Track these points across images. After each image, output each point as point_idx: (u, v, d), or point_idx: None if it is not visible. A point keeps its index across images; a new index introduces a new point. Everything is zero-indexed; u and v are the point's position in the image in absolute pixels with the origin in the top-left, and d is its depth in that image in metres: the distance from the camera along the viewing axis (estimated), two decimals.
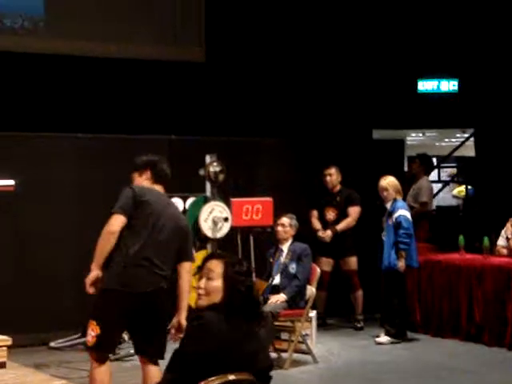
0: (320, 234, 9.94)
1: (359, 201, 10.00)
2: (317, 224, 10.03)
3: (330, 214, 10.02)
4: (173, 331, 5.74)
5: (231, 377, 3.71)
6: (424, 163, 11.55)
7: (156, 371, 5.62)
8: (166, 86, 12.58)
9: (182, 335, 4.80)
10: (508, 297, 8.82)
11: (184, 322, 5.64)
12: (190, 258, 5.81)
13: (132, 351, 8.48)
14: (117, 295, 5.47)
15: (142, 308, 5.54)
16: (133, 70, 12.40)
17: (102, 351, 5.62)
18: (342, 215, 9.99)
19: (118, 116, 11.88)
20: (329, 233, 9.92)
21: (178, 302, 5.69)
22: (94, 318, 5.51)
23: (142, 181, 5.96)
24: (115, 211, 5.60)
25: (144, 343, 5.70)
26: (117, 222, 5.57)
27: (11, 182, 8.55)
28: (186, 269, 5.75)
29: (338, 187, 10.09)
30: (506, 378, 7.35)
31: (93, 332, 5.48)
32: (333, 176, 10.04)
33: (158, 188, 5.92)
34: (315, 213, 10.10)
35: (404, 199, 9.73)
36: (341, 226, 9.94)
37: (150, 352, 5.70)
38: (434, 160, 17.25)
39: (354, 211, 9.98)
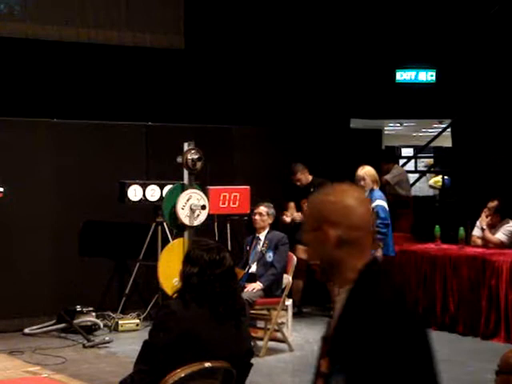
0: (284, 217, 9.95)
1: None
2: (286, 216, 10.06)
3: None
4: None
5: (207, 364, 3.71)
6: (385, 157, 11.74)
7: None
8: (144, 73, 12.53)
9: None
10: (482, 287, 8.88)
11: None
12: None
13: (107, 338, 8.50)
14: None
15: None
16: (111, 56, 12.33)
17: None
18: None
19: (95, 102, 11.81)
20: (295, 215, 9.92)
21: None
22: None
23: None
24: None
25: None
26: None
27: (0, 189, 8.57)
28: None
29: (310, 179, 10.09)
30: (480, 367, 7.40)
31: None
32: (302, 180, 10.06)
33: None
34: (292, 205, 10.10)
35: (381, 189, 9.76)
36: None
37: None
38: (411, 150, 17.31)
39: None
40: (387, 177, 11.21)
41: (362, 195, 2.52)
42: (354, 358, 2.26)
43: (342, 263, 2.42)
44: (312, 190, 10.01)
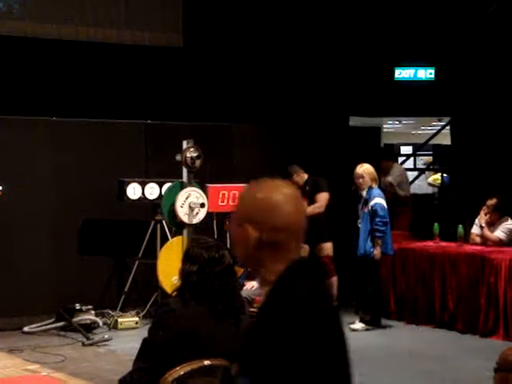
0: None
1: (326, 186, 9.94)
2: None
3: None
4: None
5: (206, 362, 3.71)
6: (385, 154, 11.80)
7: None
8: (143, 71, 12.52)
9: None
10: (481, 285, 8.89)
11: None
12: None
13: (106, 336, 8.50)
14: None
15: None
16: (110, 55, 12.32)
17: None
18: (311, 203, 9.96)
19: (94, 100, 11.81)
20: None
21: None
22: None
23: None
24: None
25: None
26: None
27: None
28: None
29: (305, 178, 10.07)
30: (479, 365, 7.41)
31: None
32: (298, 182, 10.02)
33: None
34: None
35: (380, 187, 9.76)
36: (307, 211, 9.87)
37: None
38: (410, 148, 17.31)
39: (321, 197, 9.91)
40: (389, 179, 11.19)
41: (294, 192, 2.36)
42: (257, 363, 2.17)
43: (262, 264, 2.30)
44: (307, 188, 10.01)
